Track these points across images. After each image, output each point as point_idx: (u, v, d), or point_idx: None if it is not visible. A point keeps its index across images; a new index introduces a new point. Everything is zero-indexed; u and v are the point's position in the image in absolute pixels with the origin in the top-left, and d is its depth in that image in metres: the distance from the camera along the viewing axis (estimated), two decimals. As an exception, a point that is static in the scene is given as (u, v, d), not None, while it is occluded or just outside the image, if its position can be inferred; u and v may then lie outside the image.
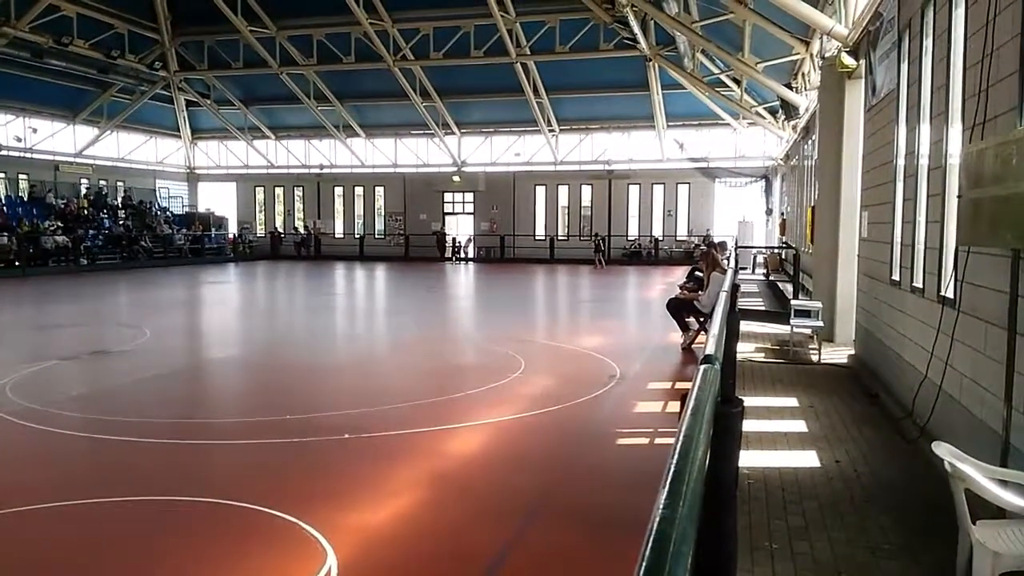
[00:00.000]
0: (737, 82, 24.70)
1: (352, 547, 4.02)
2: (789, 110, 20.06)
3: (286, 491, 4.88)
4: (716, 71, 25.63)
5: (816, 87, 13.71)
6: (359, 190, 38.10)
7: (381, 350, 11.81)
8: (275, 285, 24.27)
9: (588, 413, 7.00)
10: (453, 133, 35.16)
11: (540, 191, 35.54)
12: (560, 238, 34.91)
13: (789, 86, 19.70)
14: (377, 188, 37.76)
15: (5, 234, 26.23)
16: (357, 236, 37.37)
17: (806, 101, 17.73)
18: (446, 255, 35.45)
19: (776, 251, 24.27)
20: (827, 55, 12.15)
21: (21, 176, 30.81)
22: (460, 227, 36.99)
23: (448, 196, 36.95)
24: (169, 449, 5.91)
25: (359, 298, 20.91)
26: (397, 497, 4.87)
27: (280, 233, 38.17)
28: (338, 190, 38.26)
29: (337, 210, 38.49)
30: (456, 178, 35.82)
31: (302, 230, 37.74)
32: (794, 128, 20.71)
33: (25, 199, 30.25)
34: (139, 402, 7.64)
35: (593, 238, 33.17)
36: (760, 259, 25.70)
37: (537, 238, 35.22)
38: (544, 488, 5.08)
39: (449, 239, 36.08)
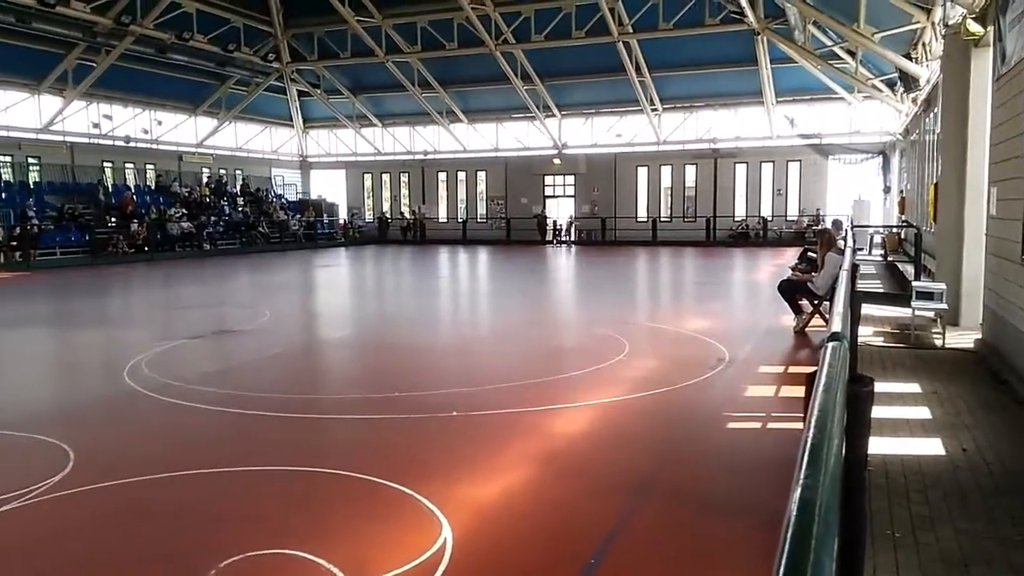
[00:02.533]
0: (852, 54, 23.57)
1: (466, 520, 4.14)
2: (908, 82, 19.01)
3: (401, 464, 5.06)
4: (829, 43, 24.54)
5: (938, 57, 12.95)
6: (461, 175, 38.62)
7: (485, 331, 12.00)
8: (383, 268, 24.98)
9: (696, 396, 6.91)
10: (554, 116, 35.09)
11: (642, 172, 35.04)
12: (663, 219, 34.36)
13: (908, 56, 18.65)
14: (479, 172, 38.17)
15: (135, 221, 28.06)
16: (460, 220, 37.93)
17: (927, 72, 16.74)
18: (547, 238, 35.51)
19: (895, 230, 23.13)
20: (951, 22, 11.42)
21: (149, 166, 32.83)
22: (561, 210, 36.96)
23: (549, 179, 36.95)
24: (290, 422, 6.22)
25: (463, 281, 21.27)
26: (506, 473, 4.97)
27: (387, 218, 39.19)
28: (441, 175, 38.91)
29: (440, 195, 39.15)
30: (557, 161, 35.78)
31: (407, 215, 38.61)
32: (914, 101, 19.61)
33: (153, 188, 32.24)
34: (261, 378, 8.06)
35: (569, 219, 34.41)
36: (877, 239, 24.54)
37: (639, 220, 34.77)
38: (652, 470, 5.07)
39: (550, 222, 36.11)
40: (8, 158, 27.34)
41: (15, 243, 23.82)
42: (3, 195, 25.51)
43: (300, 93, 37.93)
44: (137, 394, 7.06)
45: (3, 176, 27.08)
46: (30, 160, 28.05)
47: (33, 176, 28.17)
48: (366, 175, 40.70)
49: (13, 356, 9.82)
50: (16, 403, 7.11)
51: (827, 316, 9.12)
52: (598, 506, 4.43)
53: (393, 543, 3.89)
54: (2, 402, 7.21)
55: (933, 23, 15.26)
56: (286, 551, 3.76)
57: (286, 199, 38.40)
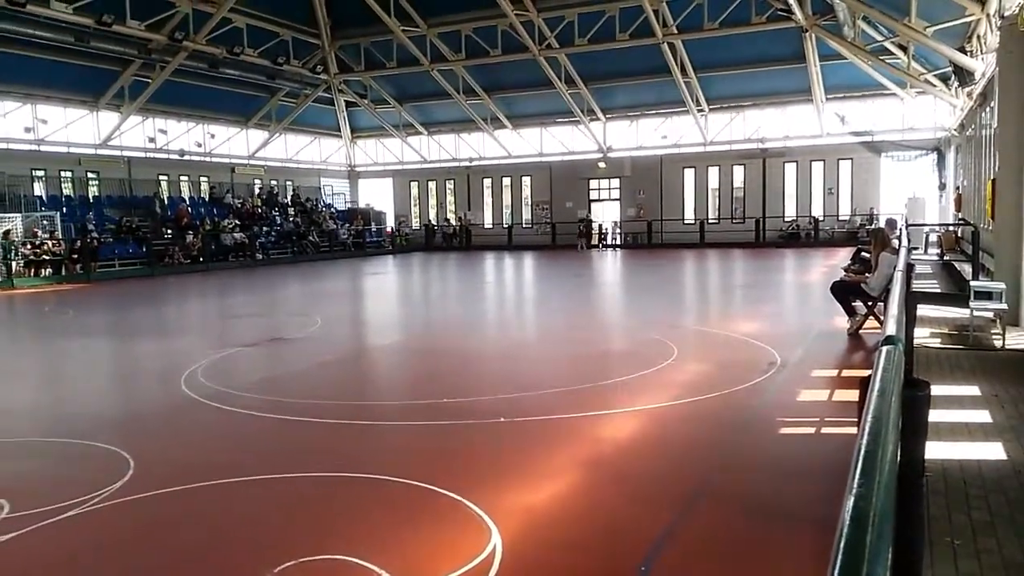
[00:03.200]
0: (903, 49, 23.03)
1: (515, 526, 4.14)
2: (963, 76, 18.49)
3: (450, 470, 5.09)
4: (879, 38, 24.01)
5: (994, 49, 12.55)
6: (506, 180, 38.74)
7: (531, 336, 12.01)
8: (430, 275, 25.17)
9: (747, 401, 6.80)
10: (598, 119, 34.99)
11: (688, 174, 34.71)
12: (710, 221, 33.96)
13: (963, 50, 18.14)
14: (524, 178, 38.24)
15: (190, 232, 28.78)
16: (505, 226, 38.03)
17: (983, 65, 16.25)
18: (591, 242, 35.38)
19: (951, 229, 22.48)
20: (1007, 14, 11.08)
21: (202, 178, 33.66)
22: (606, 214, 36.79)
23: (594, 183, 36.85)
24: (342, 429, 6.30)
25: (509, 286, 21.31)
26: (555, 480, 4.96)
27: (433, 225, 39.51)
28: (486, 181, 39.08)
29: (486, 201, 39.33)
30: (602, 164, 35.65)
31: (453, 222, 38.85)
32: (969, 95, 19.05)
33: (206, 200, 33.04)
34: (313, 385, 8.19)
35: (579, 223, 34.41)
36: (933, 238, 23.87)
37: (686, 222, 34.44)
38: (702, 476, 5.00)
39: (595, 226, 35.97)
40: (69, 173, 28.31)
41: (76, 255, 24.64)
42: (64, 209, 26.40)
43: (348, 104, 38.50)
44: (193, 402, 7.23)
45: (64, 191, 28.04)
46: (89, 175, 29.01)
47: (92, 190, 29.12)
48: (412, 183, 41.09)
49: (76, 366, 10.15)
50: (79, 412, 7.34)
51: (881, 318, 8.91)
52: (647, 512, 4.40)
53: (442, 549, 3.91)
54: (66, 411, 7.46)
55: (988, 15, 14.84)
56: (338, 556, 3.81)
57: (335, 208, 38.98)
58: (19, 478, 5.28)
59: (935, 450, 4.83)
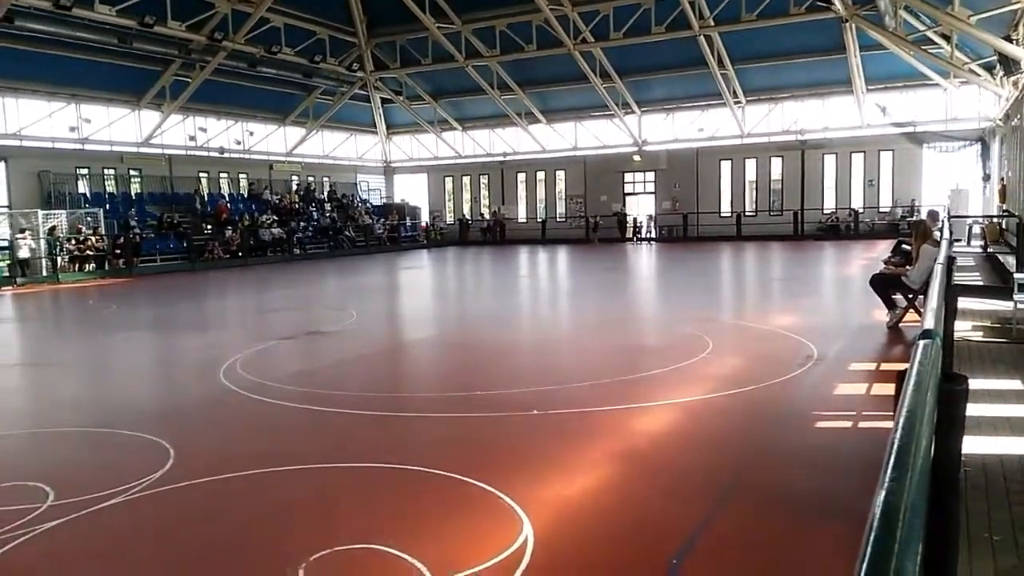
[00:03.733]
0: (946, 38, 22.50)
1: (547, 518, 4.15)
2: (1009, 65, 18.03)
3: (482, 462, 5.11)
4: (922, 28, 23.49)
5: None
6: (541, 175, 38.69)
7: (565, 330, 11.99)
8: (464, 269, 25.27)
9: (783, 395, 6.72)
10: (633, 112, 34.76)
11: (725, 166, 34.33)
12: (748, 214, 33.57)
13: (1008, 39, 17.67)
14: (558, 172, 38.17)
15: (230, 228, 29.24)
16: (539, 220, 38.00)
17: (1031, 53, 15.83)
18: (627, 236, 35.20)
19: (995, 220, 21.94)
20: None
21: (241, 175, 34.17)
22: (641, 207, 36.56)
23: (628, 176, 36.64)
24: (377, 420, 6.37)
25: (543, 280, 21.30)
26: (587, 472, 4.95)
27: (468, 220, 39.63)
28: (521, 176, 39.08)
29: (520, 195, 39.32)
30: (637, 158, 35.43)
31: (487, 216, 38.94)
32: (1015, 84, 18.57)
33: (245, 196, 33.54)
34: (349, 377, 8.28)
35: (593, 217, 35.12)
36: (976, 229, 23.32)
37: (723, 215, 34.09)
38: (737, 469, 4.96)
39: (630, 219, 35.77)
40: (112, 171, 28.93)
41: (118, 251, 25.19)
42: (107, 206, 27.00)
43: (383, 100, 38.75)
44: (232, 393, 7.36)
45: (107, 188, 28.67)
46: (132, 172, 29.62)
47: (135, 187, 29.75)
48: (447, 178, 41.25)
49: (118, 358, 10.38)
50: (121, 403, 7.52)
51: (922, 311, 8.73)
52: (680, 506, 4.37)
53: (475, 539, 3.94)
54: (109, 402, 7.65)
55: (1037, 1, 14.43)
56: (371, 546, 3.86)
57: (371, 204, 39.32)
58: (64, 466, 5.43)
59: (975, 445, 4.73)
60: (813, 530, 4.11)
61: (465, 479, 4.70)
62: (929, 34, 23.55)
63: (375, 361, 9.40)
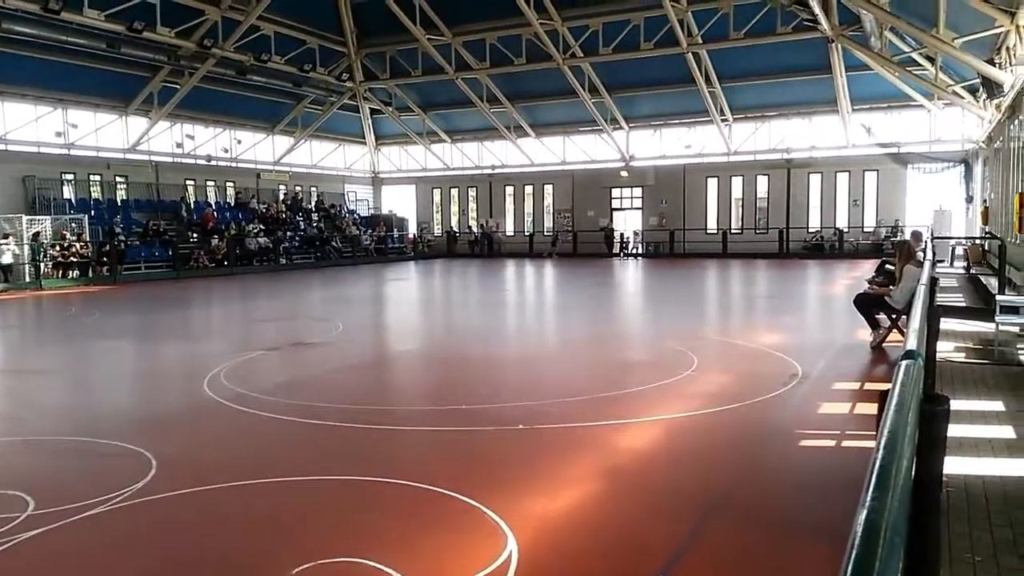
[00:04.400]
0: (931, 60, 22.83)
1: (531, 533, 4.14)
2: (992, 88, 18.29)
3: (467, 476, 5.10)
4: (907, 49, 23.83)
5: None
6: (528, 189, 38.82)
7: (551, 345, 11.99)
8: (451, 282, 25.25)
9: (767, 413, 6.76)
10: (621, 128, 34.98)
11: (712, 183, 34.57)
12: (734, 231, 33.79)
13: (991, 62, 17.93)
14: (546, 186, 38.31)
15: (216, 236, 29.10)
16: (527, 234, 38.06)
17: (1011, 77, 16.05)
18: (614, 251, 35.33)
19: (978, 242, 22.19)
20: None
21: (228, 183, 34.05)
22: (628, 223, 36.73)
23: (616, 192, 36.81)
24: (360, 433, 6.34)
25: (529, 294, 21.32)
26: (572, 488, 4.95)
27: (455, 232, 39.64)
28: (509, 189, 39.18)
29: (508, 209, 39.41)
30: (624, 173, 35.62)
31: (475, 229, 38.97)
32: (998, 107, 18.81)
33: (232, 204, 33.40)
34: (334, 390, 8.24)
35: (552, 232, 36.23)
36: (959, 251, 23.58)
37: (709, 232, 34.29)
38: (721, 487, 4.97)
39: (617, 235, 35.91)
40: (98, 177, 28.76)
41: (103, 258, 25.00)
42: (92, 212, 26.82)
43: (372, 111, 38.81)
44: (216, 404, 7.31)
45: (92, 194, 28.48)
46: (118, 179, 29.45)
47: (120, 194, 29.56)
48: (435, 190, 41.30)
49: (101, 367, 10.30)
50: (103, 412, 7.45)
51: (905, 331, 8.82)
52: (665, 523, 4.38)
53: (459, 554, 3.93)
54: (91, 411, 7.58)
55: (1018, 26, 14.68)
56: (354, 559, 3.84)
57: (358, 214, 39.27)
58: (44, 476, 5.37)
59: (957, 466, 4.77)
60: (797, 548, 4.13)
61: (449, 493, 4.69)
62: (914, 55, 23.87)
63: (360, 373, 9.37)
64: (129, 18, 24.83)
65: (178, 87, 28.89)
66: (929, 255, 9.74)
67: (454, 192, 40.80)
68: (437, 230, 41.05)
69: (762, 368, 8.85)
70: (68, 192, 27.57)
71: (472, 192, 40.08)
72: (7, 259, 22.43)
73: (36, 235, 23.52)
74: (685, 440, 6.06)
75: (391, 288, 22.73)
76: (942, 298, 11.15)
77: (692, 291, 20.18)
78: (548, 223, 38.55)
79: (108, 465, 5.53)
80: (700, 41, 28.94)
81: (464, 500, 4.56)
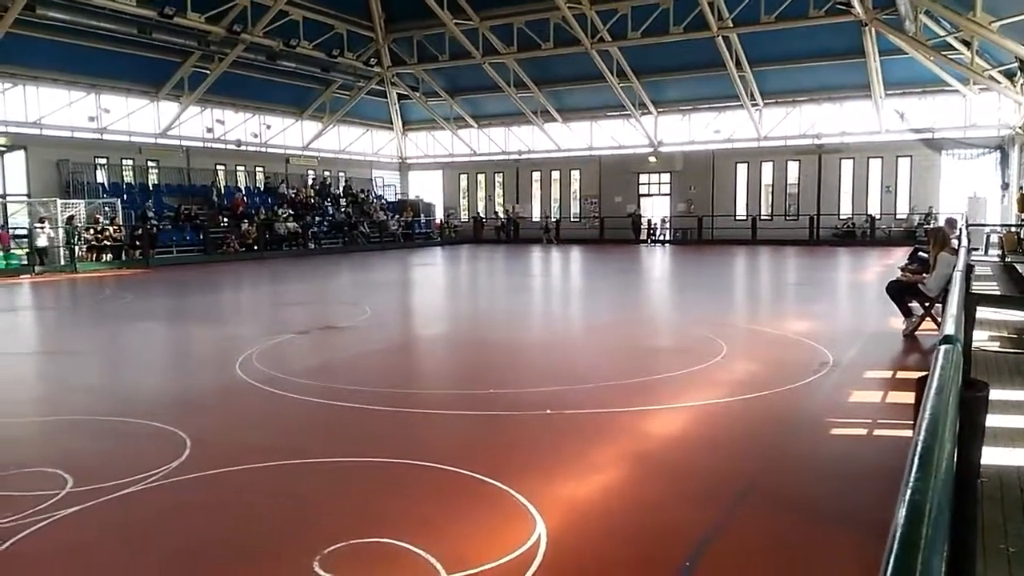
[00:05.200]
0: (967, 44, 22.36)
1: (560, 517, 4.17)
2: (1032, 72, 17.88)
3: (496, 460, 5.14)
4: (942, 33, 23.35)
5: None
6: (555, 174, 38.69)
7: (578, 330, 11.99)
8: (478, 267, 25.30)
9: (798, 401, 6.72)
10: (650, 113, 34.69)
11: (741, 169, 34.21)
12: (763, 218, 33.44)
13: (1032, 45, 17.55)
14: (573, 172, 38.15)
15: (246, 221, 29.40)
16: (553, 219, 37.99)
17: (1054, 60, 15.69)
18: (641, 237, 35.15)
19: (1013, 229, 21.77)
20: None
21: (258, 168, 34.35)
22: (656, 208, 36.50)
23: (644, 177, 36.57)
24: (389, 416, 6.40)
25: (556, 279, 21.30)
26: (601, 473, 4.97)
27: (482, 218, 39.66)
28: (535, 174, 39.08)
29: (534, 194, 39.33)
30: (652, 159, 35.36)
31: (501, 215, 38.95)
32: (1037, 92, 18.41)
33: (262, 189, 33.70)
34: (363, 372, 8.33)
35: (545, 217, 36.41)
36: (995, 238, 23.14)
37: (738, 218, 33.98)
38: (750, 474, 4.96)
39: (644, 221, 35.71)
40: (130, 162, 29.16)
41: (135, 241, 25.37)
42: (125, 196, 27.21)
43: (400, 96, 38.86)
44: (248, 386, 7.42)
45: (125, 178, 28.89)
46: (149, 163, 29.83)
47: (152, 178, 29.96)
48: (462, 175, 41.32)
49: (135, 348, 10.48)
50: (140, 392, 7.59)
51: (939, 319, 8.70)
52: (693, 509, 4.38)
53: (488, 536, 3.96)
54: (128, 391, 7.72)
55: (1061, 8, 14.30)
56: (384, 540, 3.89)
57: (386, 199, 39.45)
58: (82, 454, 5.50)
59: (992, 455, 4.71)
60: (828, 537, 4.11)
61: (479, 476, 4.72)
62: (950, 40, 23.39)
63: (389, 357, 9.44)
64: (160, 3, 25.07)
65: (208, 72, 29.15)
66: (964, 243, 9.57)
67: (480, 178, 40.79)
68: (463, 215, 41.10)
69: (792, 356, 8.79)
70: (101, 176, 27.99)
71: (499, 178, 40.04)
72: (42, 242, 22.85)
73: (71, 219, 23.91)
74: (714, 427, 6.04)
75: (418, 273, 22.83)
76: (977, 286, 10.97)
77: (720, 278, 20.02)
78: (575, 209, 38.41)
79: (144, 445, 5.64)
80: (731, 24, 28.56)
81: (493, 483, 4.59)
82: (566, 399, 6.76)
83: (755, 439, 5.72)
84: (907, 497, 0.93)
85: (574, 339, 11.00)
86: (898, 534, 0.86)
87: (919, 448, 1.08)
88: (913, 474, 0.99)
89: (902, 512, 0.90)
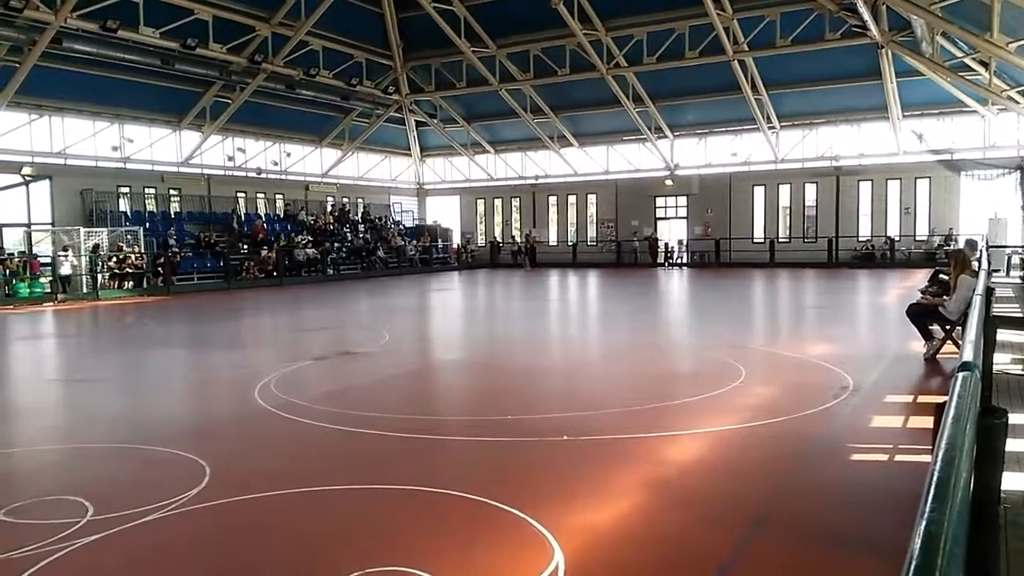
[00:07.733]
0: (985, 65, 22.29)
1: (578, 546, 4.14)
2: (1051, 92, 17.79)
3: (514, 487, 5.11)
4: (959, 54, 23.30)
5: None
6: (572, 198, 38.78)
7: (595, 355, 11.96)
8: (495, 292, 25.34)
9: (817, 426, 6.65)
10: (666, 137, 34.76)
11: (759, 191, 34.12)
12: (781, 240, 33.30)
13: (1050, 65, 17.48)
14: (589, 196, 38.23)
15: (265, 248, 29.67)
16: (570, 244, 38.02)
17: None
18: (658, 260, 35.08)
19: (1037, 251, 21.53)
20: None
21: (278, 195, 34.69)
22: (672, 232, 36.44)
23: (660, 201, 36.56)
24: (407, 443, 6.40)
25: (573, 304, 21.28)
26: (619, 500, 4.94)
27: (499, 242, 39.77)
28: (552, 199, 39.19)
29: (551, 219, 39.42)
30: (669, 182, 35.37)
31: (518, 239, 39.03)
32: (1058, 112, 18.30)
33: (281, 216, 34.03)
34: (380, 399, 8.34)
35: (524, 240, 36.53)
36: (1016, 260, 22.89)
37: (755, 241, 33.85)
38: (769, 501, 4.91)
39: (661, 244, 35.66)
40: (152, 190, 29.56)
41: (157, 269, 25.67)
42: (147, 224, 27.55)
43: (418, 123, 39.22)
44: (267, 413, 7.46)
45: (147, 207, 29.28)
46: (171, 191, 30.23)
47: (174, 206, 30.33)
48: (479, 200, 41.52)
49: (155, 375, 10.57)
50: (158, 420, 7.64)
51: (960, 342, 8.59)
52: (712, 537, 4.34)
53: (505, 565, 3.94)
54: (147, 419, 7.77)
55: (1079, 28, 14.25)
56: (400, 568, 3.87)
57: (403, 225, 39.69)
58: (102, 482, 5.54)
59: (1015, 481, 4.63)
60: (847, 565, 4.05)
61: (496, 504, 4.71)
62: (967, 61, 23.34)
63: (407, 383, 9.46)
64: (183, 35, 25.55)
65: (230, 102, 29.60)
66: (984, 264, 9.48)
67: (497, 202, 40.96)
68: (480, 240, 41.25)
69: (811, 380, 8.71)
70: (124, 205, 28.36)
71: (515, 202, 40.20)
72: (66, 270, 23.16)
73: (96, 247, 24.23)
74: (733, 453, 5.99)
75: (436, 298, 22.89)
76: (998, 309, 10.84)
77: (739, 301, 19.92)
78: (592, 233, 38.44)
79: (163, 472, 5.67)
80: (746, 48, 28.65)
81: (510, 511, 4.57)
82: (583, 425, 6.74)
83: (774, 465, 5.66)
84: (922, 527, 0.93)
85: (591, 364, 10.97)
86: (913, 565, 0.86)
87: (935, 478, 1.08)
88: (929, 504, 0.99)
89: (917, 542, 0.90)
